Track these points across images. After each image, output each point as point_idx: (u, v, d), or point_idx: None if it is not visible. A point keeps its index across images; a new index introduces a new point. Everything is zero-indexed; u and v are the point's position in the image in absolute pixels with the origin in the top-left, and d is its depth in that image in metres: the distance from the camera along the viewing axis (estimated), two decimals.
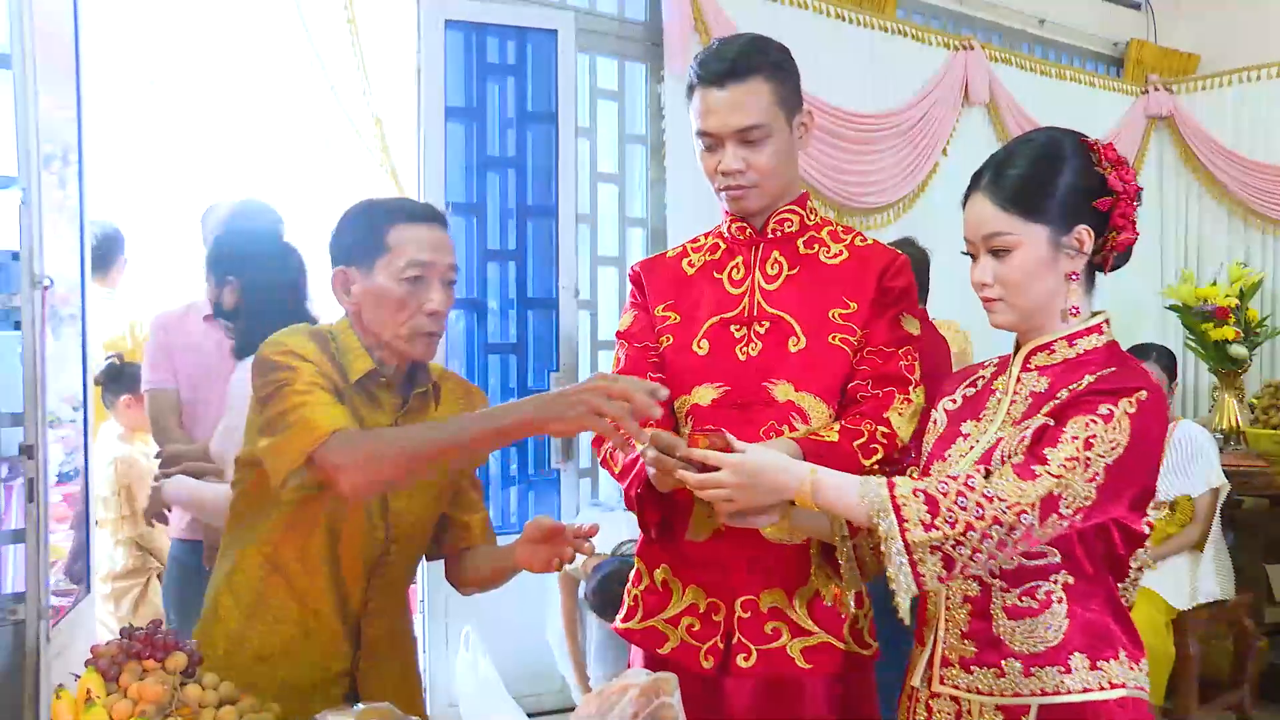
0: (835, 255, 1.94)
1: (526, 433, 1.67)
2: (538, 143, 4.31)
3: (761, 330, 1.90)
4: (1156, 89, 6.26)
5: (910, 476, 1.79)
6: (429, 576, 3.81)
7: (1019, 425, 1.60)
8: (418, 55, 4.07)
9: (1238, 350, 5.21)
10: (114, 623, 3.82)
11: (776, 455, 1.61)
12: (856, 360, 1.88)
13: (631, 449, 1.80)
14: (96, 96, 3.13)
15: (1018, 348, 1.70)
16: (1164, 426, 1.58)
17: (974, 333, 3.97)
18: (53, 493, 2.64)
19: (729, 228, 1.98)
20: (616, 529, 3.42)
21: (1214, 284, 5.40)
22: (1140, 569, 1.66)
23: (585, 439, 4.06)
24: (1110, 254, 1.65)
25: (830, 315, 1.88)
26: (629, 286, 2.11)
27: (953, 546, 1.47)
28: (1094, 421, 1.51)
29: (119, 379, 3.92)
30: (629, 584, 2.03)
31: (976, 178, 1.66)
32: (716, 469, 1.58)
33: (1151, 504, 1.63)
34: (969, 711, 1.62)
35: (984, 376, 1.76)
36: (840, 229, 1.99)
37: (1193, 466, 4.06)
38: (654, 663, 1.92)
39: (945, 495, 1.49)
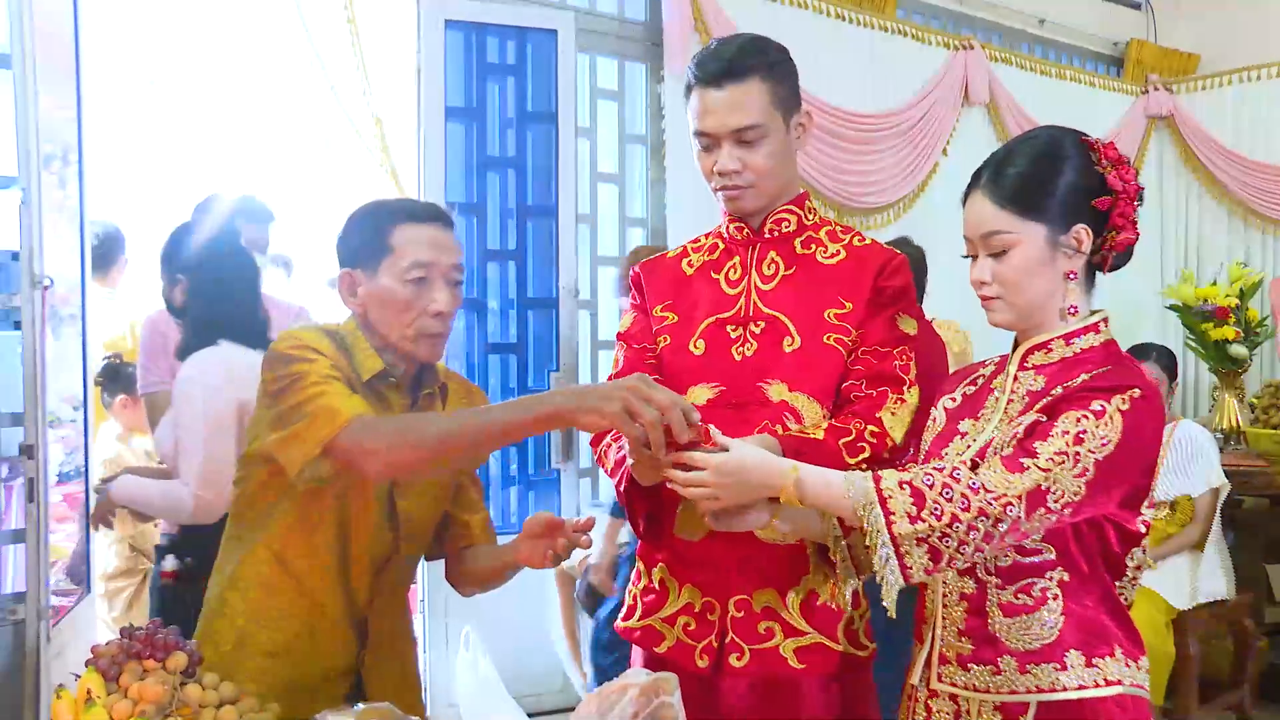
0: (832, 255, 1.93)
1: (557, 424, 1.64)
2: (538, 143, 4.31)
3: (757, 330, 1.90)
4: (1156, 89, 6.27)
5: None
6: (429, 576, 3.81)
7: (1015, 423, 1.60)
8: (418, 55, 4.07)
9: (1238, 350, 5.22)
10: (111, 623, 3.82)
11: (760, 452, 1.60)
12: (851, 360, 1.88)
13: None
14: (96, 96, 3.13)
15: (1016, 346, 1.70)
16: (1159, 425, 1.58)
17: (974, 333, 3.98)
18: (53, 493, 2.65)
19: (727, 228, 1.99)
20: (619, 529, 3.43)
21: (1214, 284, 5.40)
22: (1139, 568, 1.66)
23: (584, 438, 4.06)
24: (1110, 253, 1.64)
25: (826, 315, 1.88)
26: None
27: (939, 539, 1.47)
28: (1085, 417, 1.51)
29: (116, 379, 3.92)
30: (629, 583, 2.03)
31: (976, 176, 1.66)
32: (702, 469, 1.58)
33: (1150, 504, 1.63)
34: (968, 710, 1.62)
35: (984, 375, 1.76)
36: (839, 229, 1.99)
37: (1193, 466, 4.06)
38: (652, 662, 1.92)
39: (931, 488, 1.49)
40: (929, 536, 1.47)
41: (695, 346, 1.93)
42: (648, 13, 4.63)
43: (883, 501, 1.49)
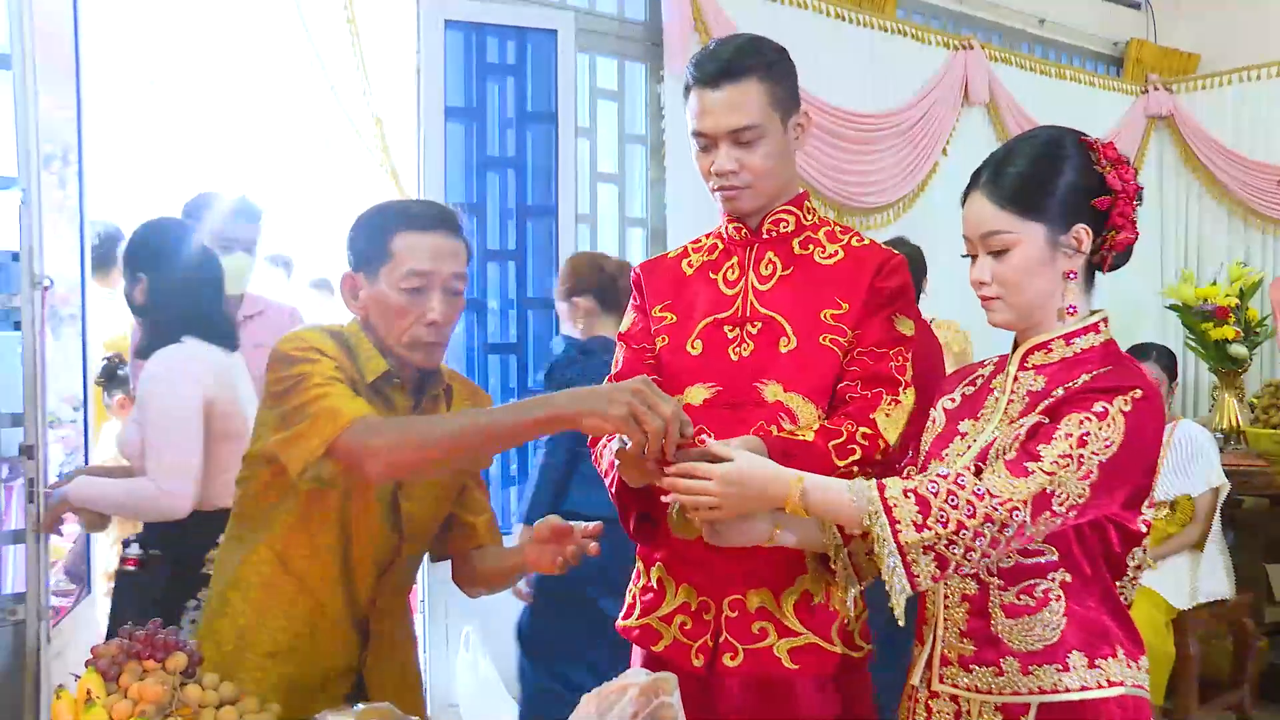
0: (830, 255, 1.93)
1: (559, 426, 1.64)
2: (538, 143, 4.30)
3: (754, 331, 1.90)
4: (1156, 89, 6.26)
5: (906, 475, 1.80)
6: (429, 577, 3.80)
7: (1015, 424, 1.60)
8: (418, 55, 4.07)
9: (1238, 350, 5.22)
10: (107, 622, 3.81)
11: (764, 462, 1.60)
12: (847, 360, 1.87)
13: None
14: (96, 96, 3.13)
15: (1016, 346, 1.70)
16: (1160, 425, 1.58)
17: (974, 333, 3.98)
18: None
19: (726, 228, 1.99)
20: None
21: (1214, 284, 5.40)
22: (1139, 567, 1.66)
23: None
24: (1109, 253, 1.64)
25: (822, 316, 1.88)
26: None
27: (945, 546, 1.47)
28: (1088, 419, 1.51)
29: (116, 379, 3.92)
30: (630, 582, 2.03)
31: (976, 176, 1.65)
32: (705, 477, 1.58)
33: (1151, 503, 1.63)
34: (968, 711, 1.62)
35: (983, 375, 1.76)
36: (838, 229, 1.98)
37: (1193, 466, 4.06)
38: (650, 661, 1.93)
39: (936, 495, 1.48)
40: (935, 544, 1.47)
41: (692, 347, 1.93)
42: (648, 13, 4.63)
43: (888, 510, 1.48)
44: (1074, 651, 1.58)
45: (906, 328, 1.91)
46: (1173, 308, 5.48)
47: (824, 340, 1.87)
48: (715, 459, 1.57)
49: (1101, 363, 1.59)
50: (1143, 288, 5.84)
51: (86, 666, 1.63)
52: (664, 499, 1.66)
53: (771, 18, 4.61)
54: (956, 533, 1.47)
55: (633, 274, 2.10)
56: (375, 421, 1.68)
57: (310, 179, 5.20)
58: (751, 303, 1.92)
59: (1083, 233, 1.61)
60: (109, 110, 3.86)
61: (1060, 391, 1.57)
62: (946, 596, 1.65)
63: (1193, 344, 5.46)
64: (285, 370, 1.75)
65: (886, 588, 1.49)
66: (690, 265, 2.02)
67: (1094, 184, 1.61)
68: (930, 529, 1.47)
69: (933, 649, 1.67)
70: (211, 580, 1.95)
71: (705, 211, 2.14)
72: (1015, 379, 1.67)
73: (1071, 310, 1.63)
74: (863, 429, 1.80)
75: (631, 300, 2.08)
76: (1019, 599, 1.59)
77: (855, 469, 1.76)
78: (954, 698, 1.64)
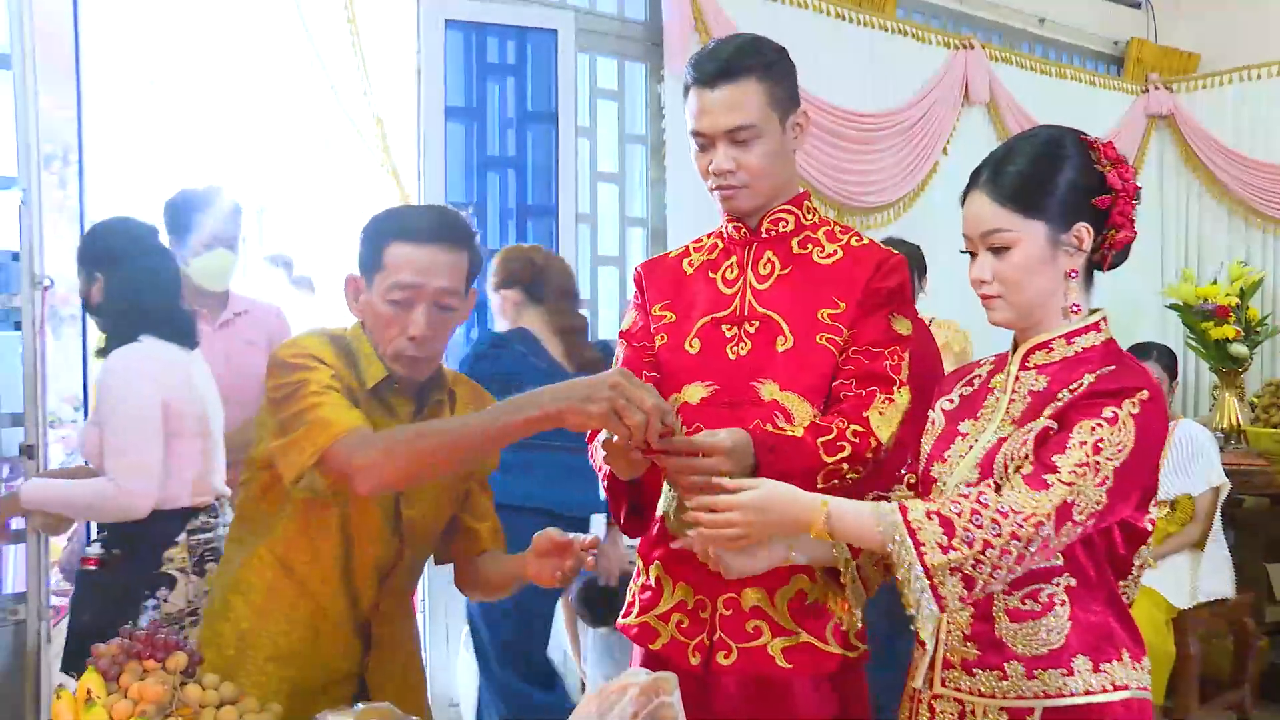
0: (829, 255, 1.93)
1: (547, 424, 1.63)
2: (538, 143, 4.30)
3: (752, 330, 1.90)
4: (1157, 88, 6.26)
5: (906, 482, 1.80)
6: (429, 577, 3.80)
7: (1021, 426, 1.60)
8: (418, 55, 4.07)
9: (1238, 349, 5.22)
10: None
11: (786, 488, 1.59)
12: (843, 359, 1.87)
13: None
14: (96, 96, 3.13)
15: (1016, 346, 1.69)
16: (1165, 425, 1.58)
17: (974, 332, 3.97)
18: None
19: (726, 228, 1.99)
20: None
21: (1214, 283, 5.40)
22: (1142, 566, 1.66)
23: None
24: (1109, 252, 1.64)
25: (819, 315, 1.88)
26: (631, 286, 2.11)
27: (972, 566, 1.47)
28: (1100, 425, 1.51)
29: None
30: (630, 581, 2.04)
31: (976, 175, 1.65)
32: (706, 479, 1.58)
33: (1156, 502, 1.63)
34: (972, 713, 1.62)
35: (980, 375, 1.75)
36: (838, 229, 1.98)
37: (1193, 465, 4.06)
38: (648, 659, 1.93)
39: (960, 515, 1.48)
40: (962, 565, 1.46)
41: (690, 345, 1.93)
42: (648, 13, 4.63)
43: (912, 534, 1.48)
44: (1079, 655, 1.57)
45: (903, 327, 1.91)
46: (1173, 307, 5.47)
47: (821, 340, 1.87)
48: (701, 450, 1.58)
49: (1103, 362, 1.59)
50: (1143, 287, 5.84)
51: (87, 666, 1.63)
52: (660, 506, 1.66)
53: (771, 18, 4.61)
54: (982, 552, 1.46)
55: (634, 273, 2.10)
56: (365, 435, 1.67)
57: (311, 179, 5.19)
58: (749, 302, 1.92)
59: (1084, 231, 1.61)
60: (109, 110, 3.85)
61: (1065, 394, 1.57)
62: None
63: (1193, 343, 5.46)
64: (283, 377, 1.75)
65: (911, 611, 1.48)
66: (691, 265, 2.02)
67: (1094, 183, 1.61)
68: (956, 550, 1.46)
69: (935, 652, 1.66)
70: (213, 582, 1.95)
71: (705, 211, 2.14)
72: (1016, 379, 1.66)
73: (1075, 309, 1.63)
74: (854, 426, 1.80)
75: (633, 299, 2.08)
76: (1024, 603, 1.59)
77: (844, 466, 1.76)
78: (958, 700, 1.63)
